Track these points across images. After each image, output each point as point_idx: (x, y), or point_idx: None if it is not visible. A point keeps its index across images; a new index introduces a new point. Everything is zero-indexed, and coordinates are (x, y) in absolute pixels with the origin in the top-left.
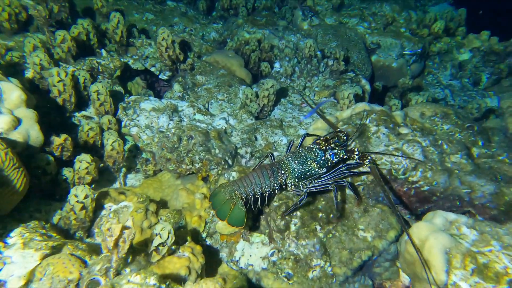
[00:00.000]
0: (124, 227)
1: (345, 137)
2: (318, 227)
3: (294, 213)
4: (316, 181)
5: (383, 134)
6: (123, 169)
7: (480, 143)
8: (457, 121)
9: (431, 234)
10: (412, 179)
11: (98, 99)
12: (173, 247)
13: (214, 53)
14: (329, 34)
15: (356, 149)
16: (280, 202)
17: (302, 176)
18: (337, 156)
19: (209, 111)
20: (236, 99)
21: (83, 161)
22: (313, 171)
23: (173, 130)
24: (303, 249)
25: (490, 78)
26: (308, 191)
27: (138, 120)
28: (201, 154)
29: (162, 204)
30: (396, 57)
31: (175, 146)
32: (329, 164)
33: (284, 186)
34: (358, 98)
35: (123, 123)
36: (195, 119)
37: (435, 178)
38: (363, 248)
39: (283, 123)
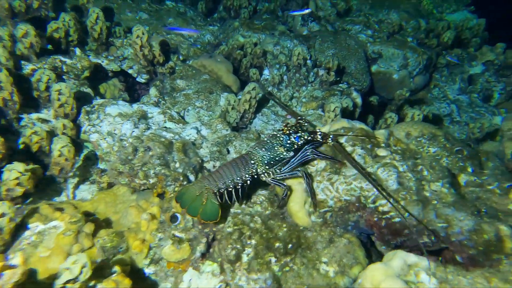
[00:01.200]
0: (5, 267)
1: (305, 123)
2: (273, 259)
3: (248, 241)
4: (286, 166)
5: (358, 155)
6: (74, 179)
7: (469, 169)
8: (445, 144)
9: (385, 280)
10: (383, 209)
11: (59, 99)
12: (91, 283)
13: (201, 56)
14: (328, 41)
15: (318, 130)
16: (234, 228)
17: (272, 162)
18: (301, 138)
19: (185, 119)
20: (216, 107)
21: (13, 170)
22: (281, 155)
23: (131, 139)
24: (254, 284)
25: (502, 94)
26: (279, 178)
27: (100, 126)
28: (157, 168)
29: (107, 223)
30: (398, 68)
31: (129, 157)
32: (295, 147)
33: (256, 176)
34: (347, 112)
35: (83, 129)
36: (165, 127)
37: (408, 209)
38: (322, 285)
39: (262, 135)
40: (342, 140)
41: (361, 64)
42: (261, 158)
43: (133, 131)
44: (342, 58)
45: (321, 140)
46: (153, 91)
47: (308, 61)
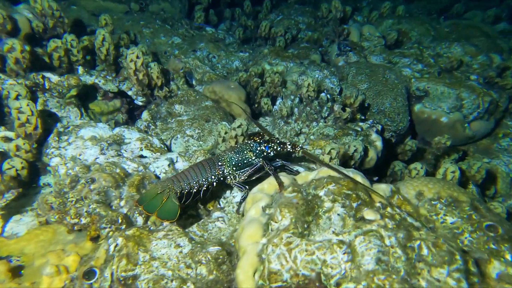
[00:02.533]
0: None
1: (277, 141)
2: None
3: None
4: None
5: (337, 215)
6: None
7: (507, 256)
8: (471, 214)
9: None
10: None
11: (19, 118)
12: None
13: (214, 82)
14: (363, 74)
15: (287, 141)
16: None
17: (240, 164)
18: (272, 148)
19: (171, 147)
20: (210, 137)
21: None
22: (249, 160)
23: (77, 168)
24: None
25: None
26: (244, 179)
27: (66, 149)
28: (91, 206)
29: (31, 270)
30: (447, 110)
31: (64, 190)
32: (265, 154)
33: (222, 179)
34: (359, 157)
35: (48, 151)
36: (141, 155)
37: None
38: None
39: None
40: (321, 193)
41: (399, 102)
42: (229, 159)
43: (97, 158)
44: (376, 94)
45: (290, 150)
46: (145, 115)
47: (323, 94)
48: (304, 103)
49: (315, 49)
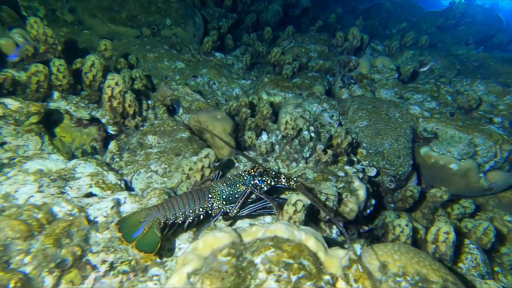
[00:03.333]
0: None
1: (273, 173)
2: None
3: None
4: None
5: None
6: None
7: None
8: None
9: None
10: None
11: None
12: None
13: (200, 111)
14: (364, 110)
15: (282, 174)
16: None
17: (231, 198)
18: (265, 182)
19: (131, 184)
20: (177, 173)
21: None
22: (241, 194)
23: None
24: None
25: None
26: (237, 211)
27: (1, 185)
28: None
29: None
30: (458, 156)
31: None
32: (258, 189)
33: (210, 212)
34: (343, 212)
35: None
36: (90, 193)
37: None
38: None
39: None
40: (257, 260)
41: (401, 144)
42: (220, 192)
43: (32, 196)
44: (375, 133)
45: (285, 184)
46: (111, 145)
47: (305, 133)
48: (284, 141)
49: (322, 80)
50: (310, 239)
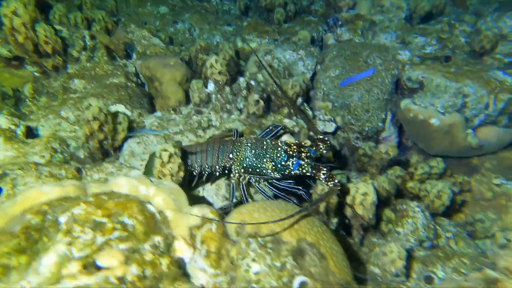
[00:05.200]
0: None
1: (324, 151)
2: None
3: None
4: (264, 183)
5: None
6: None
7: None
8: (286, 264)
9: None
10: None
11: None
12: None
13: (151, 57)
14: (342, 56)
15: (324, 167)
16: None
17: (250, 170)
18: (300, 169)
19: (37, 131)
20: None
21: None
22: (264, 171)
23: None
24: None
25: None
26: (259, 191)
27: None
28: None
29: None
30: (442, 110)
31: None
32: (286, 173)
33: (227, 172)
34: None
35: None
36: None
37: None
38: None
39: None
40: (62, 219)
41: (373, 95)
42: (242, 159)
43: None
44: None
45: (323, 182)
46: (26, 88)
47: (241, 79)
48: (216, 88)
49: (317, 25)
50: (158, 195)
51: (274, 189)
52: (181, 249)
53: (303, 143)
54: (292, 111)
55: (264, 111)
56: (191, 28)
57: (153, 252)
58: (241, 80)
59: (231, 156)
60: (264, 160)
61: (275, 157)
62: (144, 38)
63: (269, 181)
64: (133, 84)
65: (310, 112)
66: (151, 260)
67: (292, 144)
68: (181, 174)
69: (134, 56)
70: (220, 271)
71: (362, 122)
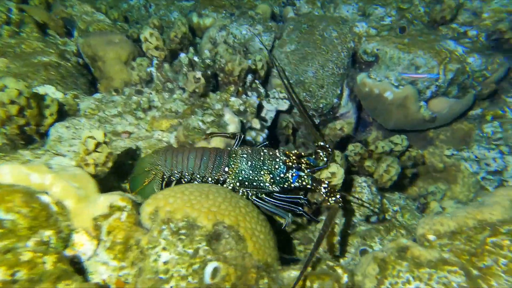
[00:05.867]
0: None
1: (325, 158)
2: None
3: None
4: (261, 196)
5: None
6: None
7: None
8: (199, 249)
9: None
10: None
11: None
12: None
13: (93, 34)
14: (298, 30)
15: (325, 180)
16: None
17: (246, 183)
18: (299, 181)
19: None
20: None
21: None
22: (261, 184)
23: None
24: None
25: None
26: (256, 203)
27: None
28: None
29: None
30: (395, 83)
31: None
32: (285, 186)
33: (220, 184)
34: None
35: None
36: None
37: None
38: None
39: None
40: None
41: (327, 70)
42: (238, 171)
43: None
44: (301, 58)
45: (324, 196)
46: None
47: (181, 55)
48: (156, 65)
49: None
50: (57, 184)
51: (274, 201)
52: (81, 243)
53: (302, 154)
54: (240, 89)
55: (206, 89)
56: (147, 4)
57: (35, 250)
58: (182, 56)
59: (226, 169)
60: (262, 172)
61: (273, 169)
62: (87, 13)
63: (259, 195)
64: (69, 64)
65: (262, 90)
66: (30, 259)
67: (291, 154)
68: (110, 164)
69: (76, 33)
70: (126, 263)
71: (317, 99)
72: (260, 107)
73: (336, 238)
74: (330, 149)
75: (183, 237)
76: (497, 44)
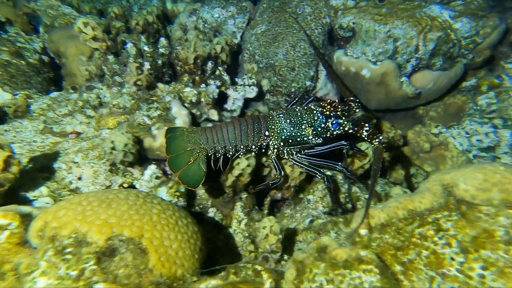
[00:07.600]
0: None
1: (357, 109)
2: None
3: None
4: (305, 152)
5: None
6: None
7: None
8: (85, 270)
9: None
10: None
11: None
12: None
13: (55, 29)
14: (269, 9)
15: (366, 123)
16: None
17: (290, 141)
18: (341, 128)
19: None
20: None
21: None
22: (305, 138)
23: None
24: None
25: None
26: (294, 163)
27: None
28: None
29: None
30: (373, 59)
31: None
32: (328, 135)
33: (264, 150)
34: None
35: None
36: None
37: None
38: None
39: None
40: None
41: (298, 51)
42: (279, 131)
43: None
44: (272, 39)
45: (366, 139)
46: None
47: (128, 45)
48: (102, 58)
49: None
50: None
51: (309, 158)
52: None
53: (335, 102)
54: (197, 78)
55: (152, 80)
56: None
57: None
58: (128, 46)
59: (267, 133)
60: (303, 127)
61: (312, 121)
62: (52, 7)
63: (302, 152)
64: (24, 62)
65: (226, 78)
66: None
67: (325, 104)
68: (14, 169)
69: (41, 29)
70: None
71: (288, 83)
72: (224, 96)
73: (276, 238)
74: (359, 102)
75: (68, 256)
76: (498, 2)
